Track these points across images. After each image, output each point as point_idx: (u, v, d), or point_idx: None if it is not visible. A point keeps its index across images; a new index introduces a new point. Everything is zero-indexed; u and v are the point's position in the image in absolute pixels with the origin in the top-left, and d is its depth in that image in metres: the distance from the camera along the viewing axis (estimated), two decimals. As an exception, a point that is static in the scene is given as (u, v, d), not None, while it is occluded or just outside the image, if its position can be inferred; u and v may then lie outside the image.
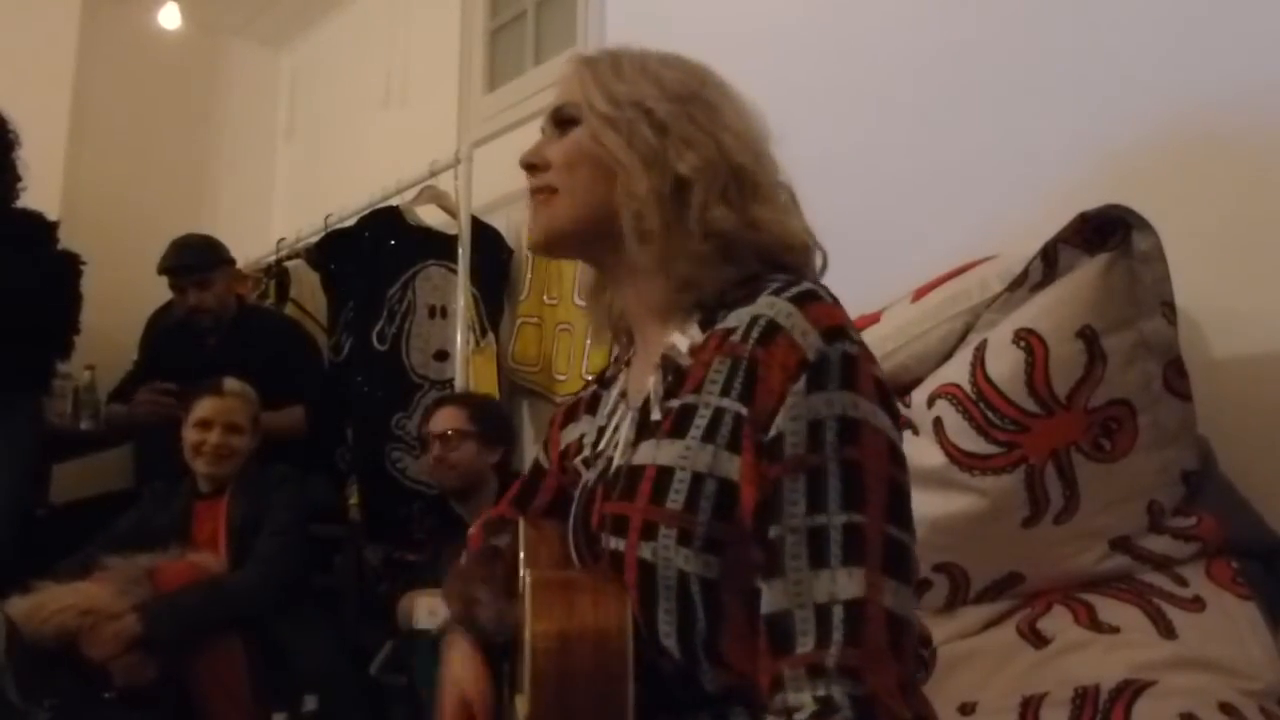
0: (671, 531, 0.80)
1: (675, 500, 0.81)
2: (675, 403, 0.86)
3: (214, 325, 2.96)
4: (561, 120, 0.95)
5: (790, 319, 0.80)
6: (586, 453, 1.00)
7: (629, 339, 1.02)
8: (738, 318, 0.85)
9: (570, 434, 1.07)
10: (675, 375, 0.88)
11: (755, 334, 0.82)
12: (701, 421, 0.83)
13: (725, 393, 0.82)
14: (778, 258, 0.90)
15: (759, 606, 0.77)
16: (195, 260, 2.96)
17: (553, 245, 0.97)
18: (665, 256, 0.88)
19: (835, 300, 0.84)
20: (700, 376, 0.85)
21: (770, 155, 0.94)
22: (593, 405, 1.05)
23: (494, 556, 1.07)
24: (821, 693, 0.70)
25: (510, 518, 1.09)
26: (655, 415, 0.88)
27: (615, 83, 0.92)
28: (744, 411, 0.80)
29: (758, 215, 0.89)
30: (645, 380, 0.92)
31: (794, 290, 0.83)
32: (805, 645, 0.72)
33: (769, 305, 0.82)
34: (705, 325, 0.89)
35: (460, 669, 0.97)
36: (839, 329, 0.80)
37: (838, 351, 0.78)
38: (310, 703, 2.25)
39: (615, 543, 0.84)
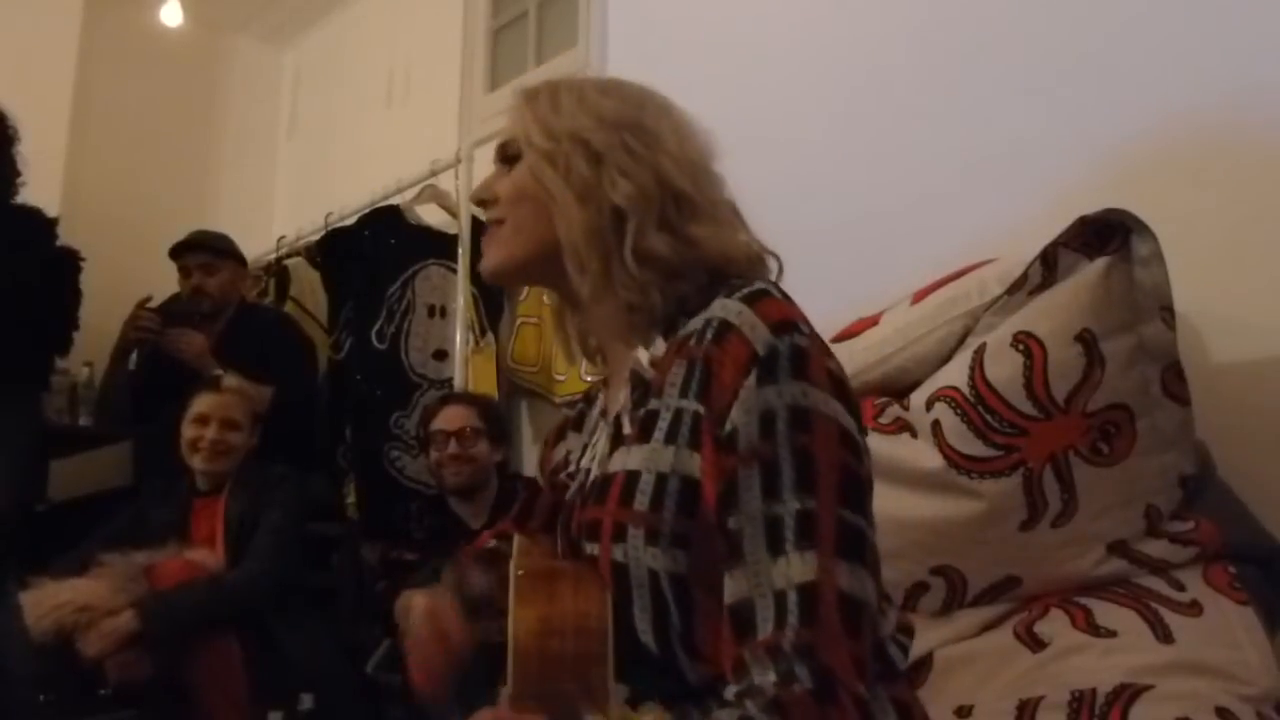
0: (639, 531, 0.83)
1: (641, 501, 0.83)
2: (642, 411, 0.89)
3: (212, 312, 2.95)
4: (506, 157, 0.98)
5: (740, 316, 0.83)
6: (571, 468, 1.03)
7: (604, 357, 1.04)
8: (695, 323, 0.88)
9: (559, 453, 1.10)
10: (641, 388, 0.91)
11: (709, 334, 0.84)
12: (663, 424, 0.85)
13: (684, 394, 0.85)
14: (722, 269, 0.91)
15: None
16: (209, 241, 2.97)
17: (499, 277, 0.99)
18: (604, 286, 0.91)
19: (786, 297, 0.87)
20: (662, 383, 0.88)
21: (712, 174, 0.96)
22: (579, 424, 1.08)
23: (494, 555, 1.09)
24: (783, 668, 0.73)
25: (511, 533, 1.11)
26: (626, 427, 0.91)
27: (552, 117, 0.94)
28: (701, 409, 0.83)
29: (695, 234, 0.91)
30: (619, 396, 0.95)
31: (745, 290, 0.86)
32: (764, 630, 0.75)
33: (721, 307, 0.85)
34: (667, 336, 0.91)
35: (437, 600, 1.00)
36: (788, 321, 0.82)
37: (786, 343, 0.81)
38: (306, 701, 2.24)
39: (591, 547, 0.87)
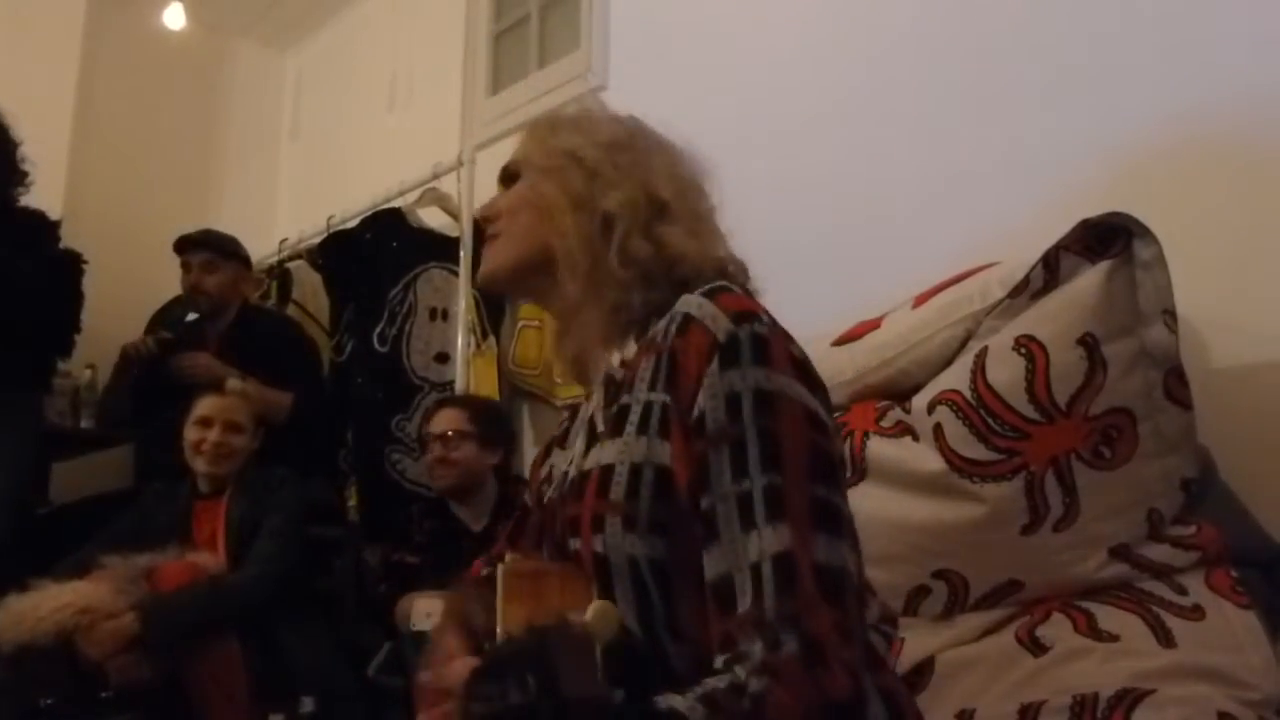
0: (616, 519, 0.85)
1: (617, 492, 0.86)
2: (614, 408, 0.92)
3: (209, 311, 2.96)
4: (508, 178, 1.08)
5: (701, 309, 0.87)
6: (554, 479, 1.06)
7: (588, 373, 1.06)
8: (662, 323, 0.92)
9: (544, 471, 1.12)
10: (613, 387, 0.95)
11: (673, 328, 0.88)
12: (634, 417, 0.89)
13: (652, 387, 0.88)
14: (688, 279, 0.95)
15: None
16: (214, 241, 2.98)
17: (493, 283, 1.08)
18: (593, 286, 0.98)
19: (749, 293, 0.93)
20: (632, 379, 0.92)
21: (699, 190, 1.04)
22: (564, 440, 1.10)
23: (489, 581, 1.09)
24: (769, 637, 0.73)
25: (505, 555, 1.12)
26: (599, 425, 0.94)
27: (551, 139, 1.05)
28: (668, 399, 0.86)
29: (670, 240, 0.97)
30: (596, 400, 0.99)
31: (706, 286, 0.91)
32: (744, 604, 0.76)
33: (683, 302, 0.90)
34: (639, 338, 0.96)
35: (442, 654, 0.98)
36: (748, 312, 0.86)
37: (747, 331, 0.84)
38: (308, 704, 2.24)
39: (574, 542, 0.89)
